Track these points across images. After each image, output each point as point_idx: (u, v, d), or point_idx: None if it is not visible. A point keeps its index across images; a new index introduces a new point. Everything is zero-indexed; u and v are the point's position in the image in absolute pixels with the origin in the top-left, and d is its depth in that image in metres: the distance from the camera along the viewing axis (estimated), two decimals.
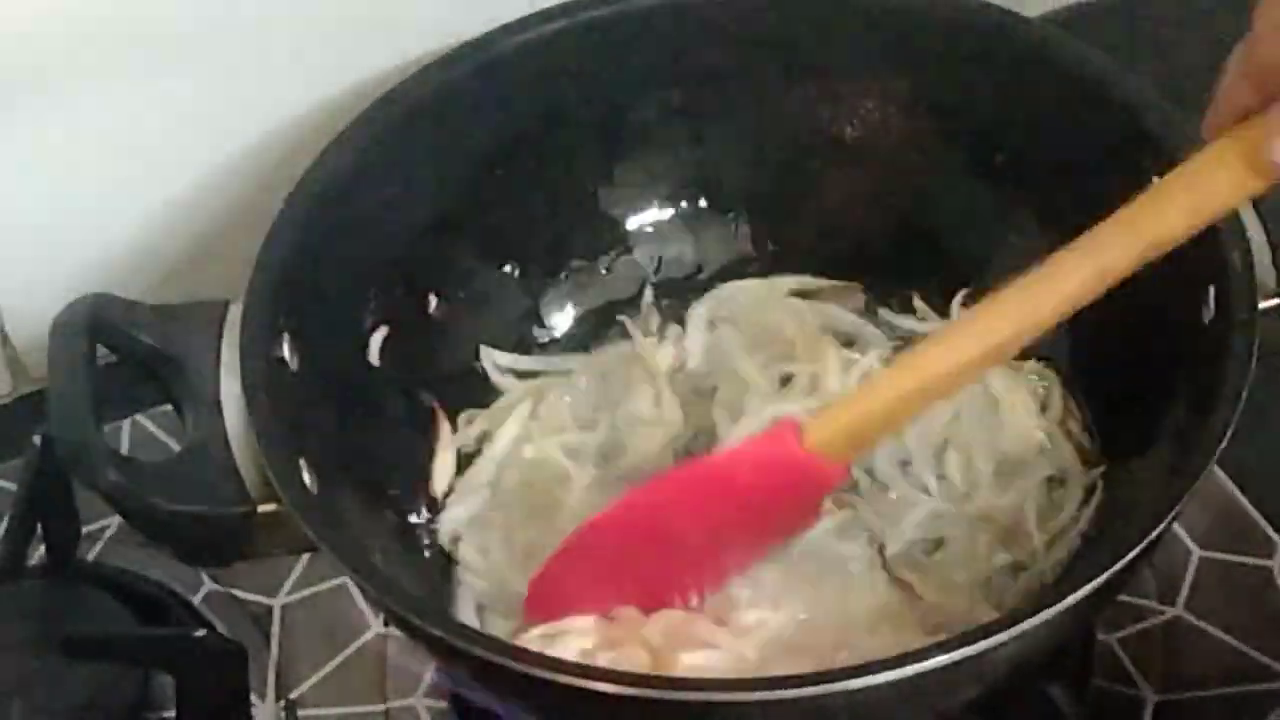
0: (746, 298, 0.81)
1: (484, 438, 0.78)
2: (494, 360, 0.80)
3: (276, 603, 0.79)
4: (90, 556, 0.81)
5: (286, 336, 0.69)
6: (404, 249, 0.78)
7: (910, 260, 0.81)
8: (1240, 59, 0.54)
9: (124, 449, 0.84)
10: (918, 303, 0.81)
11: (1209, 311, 0.66)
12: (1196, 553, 0.77)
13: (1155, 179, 0.60)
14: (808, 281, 0.82)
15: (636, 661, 0.64)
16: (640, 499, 0.68)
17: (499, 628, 0.71)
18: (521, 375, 0.80)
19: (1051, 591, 0.59)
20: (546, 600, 0.68)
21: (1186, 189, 0.57)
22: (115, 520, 0.81)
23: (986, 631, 0.57)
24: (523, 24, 0.78)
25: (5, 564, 0.75)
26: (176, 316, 0.70)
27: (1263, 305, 0.65)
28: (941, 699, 0.62)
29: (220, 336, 0.68)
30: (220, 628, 0.78)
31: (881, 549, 0.71)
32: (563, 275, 0.83)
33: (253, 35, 0.78)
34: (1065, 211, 0.76)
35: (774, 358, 0.78)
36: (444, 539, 0.75)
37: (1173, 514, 0.60)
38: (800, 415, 0.68)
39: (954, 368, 0.61)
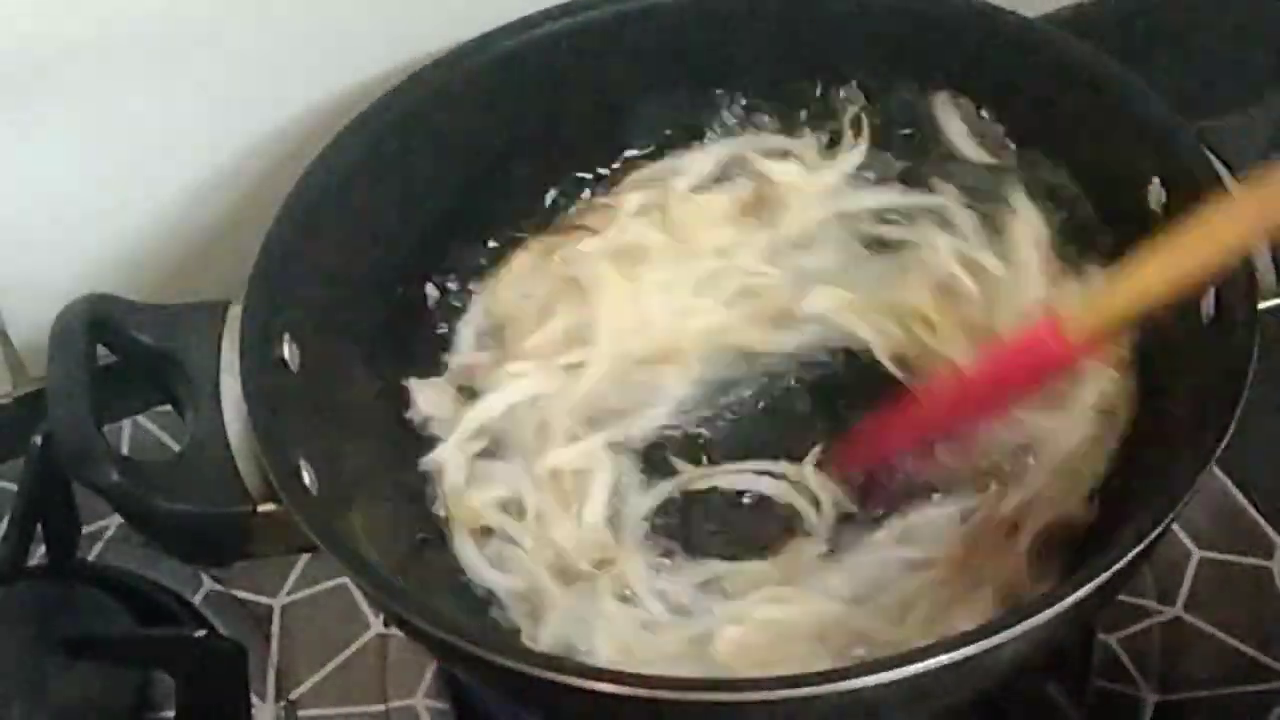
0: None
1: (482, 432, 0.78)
2: None
3: (277, 603, 0.79)
4: (90, 556, 0.81)
5: (286, 336, 0.69)
6: (404, 249, 0.78)
7: None
8: None
9: (124, 449, 0.84)
10: None
11: (1210, 311, 0.66)
12: (1196, 553, 0.77)
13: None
14: None
15: None
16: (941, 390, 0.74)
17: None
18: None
19: (1051, 592, 0.58)
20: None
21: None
22: (115, 520, 0.81)
23: (986, 631, 0.57)
24: (523, 24, 0.78)
25: (5, 564, 0.75)
26: (177, 316, 0.70)
27: (1263, 305, 0.65)
28: (941, 699, 0.62)
29: (220, 336, 0.68)
30: (220, 628, 0.78)
31: None
32: None
33: (252, 35, 0.78)
34: (1065, 211, 0.77)
35: None
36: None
37: (1172, 514, 0.60)
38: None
39: (1196, 264, 0.64)
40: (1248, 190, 0.64)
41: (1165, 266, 0.65)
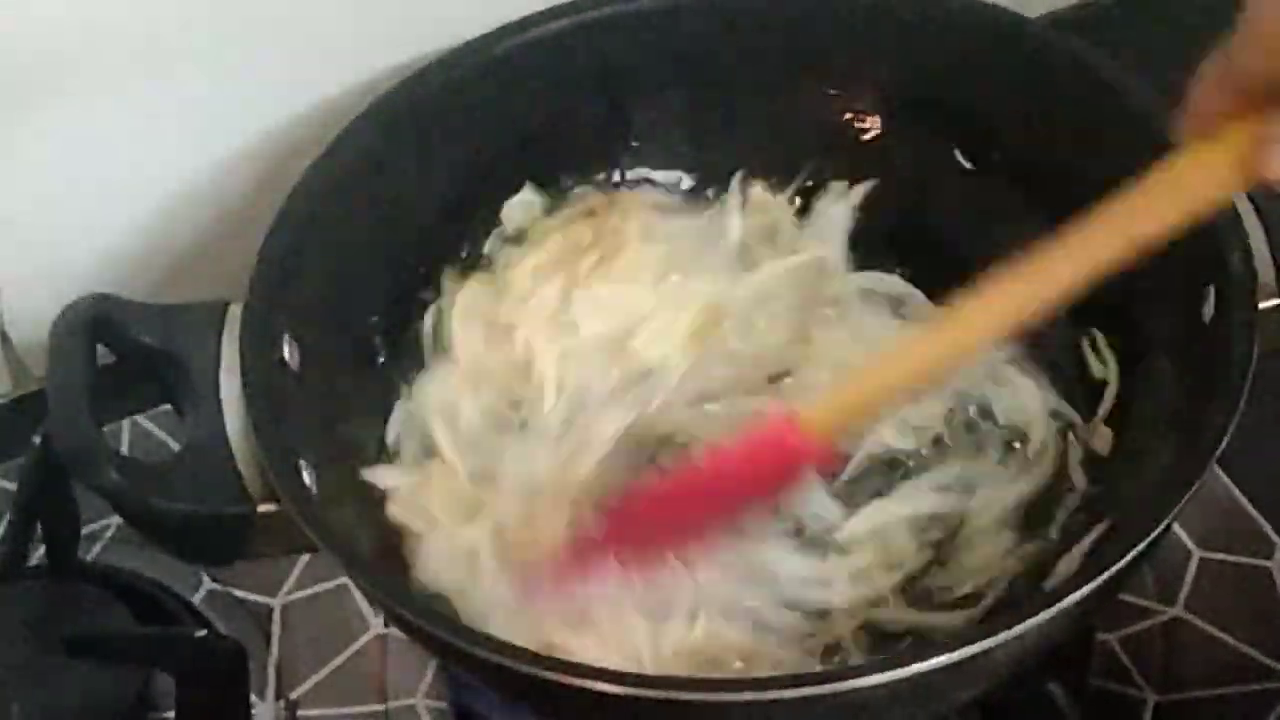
0: None
1: None
2: None
3: (277, 602, 0.79)
4: (90, 556, 0.81)
5: (286, 336, 0.69)
6: (404, 248, 0.78)
7: (910, 259, 0.81)
8: (1220, 65, 0.55)
9: (124, 449, 0.84)
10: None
11: (1209, 311, 0.66)
12: (1196, 553, 0.78)
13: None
14: None
15: None
16: (648, 494, 0.70)
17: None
18: None
19: (1051, 592, 0.58)
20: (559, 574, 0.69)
21: (1171, 189, 0.58)
22: (115, 520, 0.81)
23: (986, 631, 0.57)
24: (524, 24, 0.78)
25: (5, 563, 0.76)
26: (177, 316, 0.70)
27: (1263, 305, 0.65)
28: (941, 699, 0.62)
29: (220, 336, 0.69)
30: (220, 627, 0.78)
31: None
32: None
33: (253, 35, 0.78)
34: (1065, 211, 0.77)
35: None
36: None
37: (1173, 514, 0.60)
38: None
39: (946, 355, 0.63)
40: (976, 295, 0.60)
41: (905, 359, 0.63)
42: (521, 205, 0.80)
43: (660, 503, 0.69)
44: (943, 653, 0.56)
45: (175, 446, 0.79)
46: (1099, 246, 0.59)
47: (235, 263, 0.70)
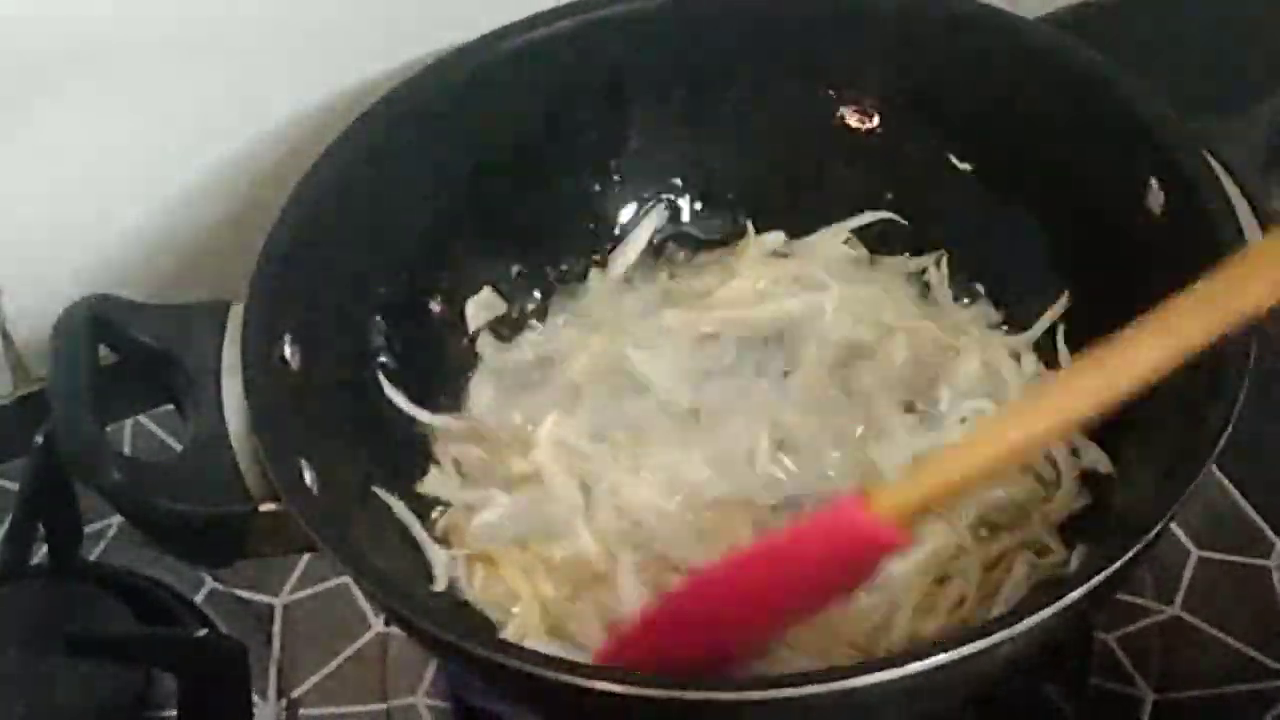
0: None
1: None
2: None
3: (278, 602, 0.80)
4: (92, 556, 0.81)
5: (288, 337, 0.69)
6: (405, 249, 0.78)
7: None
8: None
9: (126, 449, 0.84)
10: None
11: None
12: (1195, 552, 0.78)
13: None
14: None
15: None
16: (711, 575, 0.67)
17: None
18: None
19: (1050, 591, 0.59)
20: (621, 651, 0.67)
21: (1270, 263, 0.58)
22: (117, 520, 0.81)
23: (986, 631, 0.57)
24: (524, 25, 0.78)
25: (7, 563, 0.76)
26: (178, 317, 0.70)
27: None
28: (941, 698, 0.62)
29: (222, 337, 0.68)
30: (222, 627, 0.78)
31: None
32: (564, 275, 0.83)
33: (253, 36, 0.78)
34: (1064, 212, 0.77)
35: None
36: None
37: (1171, 514, 0.60)
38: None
39: (1030, 442, 0.60)
40: (1060, 380, 0.60)
41: (987, 444, 0.60)
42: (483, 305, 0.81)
43: (726, 583, 0.65)
44: (942, 653, 0.56)
45: (177, 446, 0.79)
46: (1191, 327, 0.57)
47: (236, 263, 0.70)
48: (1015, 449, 0.60)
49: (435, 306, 0.79)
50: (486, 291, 0.81)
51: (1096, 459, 0.72)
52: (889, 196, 0.82)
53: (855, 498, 0.61)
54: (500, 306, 0.81)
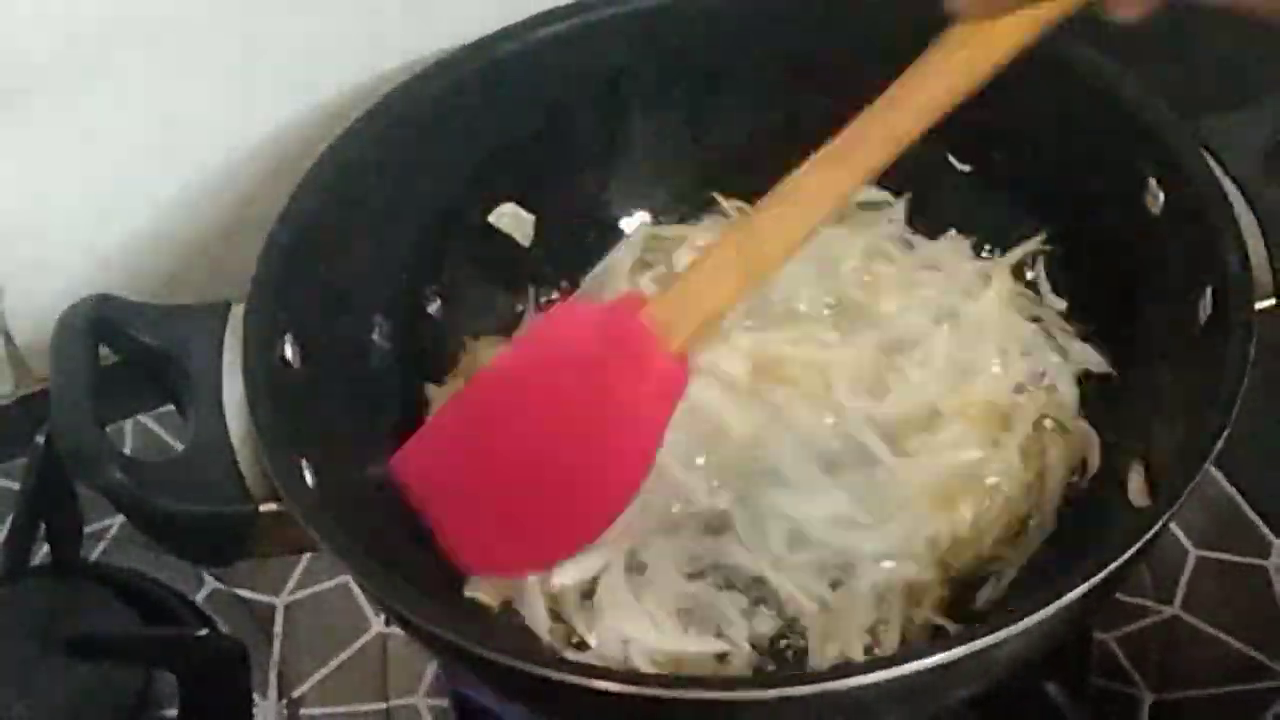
0: None
1: None
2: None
3: (279, 602, 0.80)
4: (93, 556, 0.81)
5: (288, 336, 0.69)
6: (405, 249, 0.78)
7: None
8: None
9: (127, 449, 0.85)
10: None
11: (1206, 312, 0.66)
12: (1193, 552, 0.78)
13: None
14: None
15: None
16: (492, 372, 0.69)
17: None
18: None
19: (1049, 591, 0.59)
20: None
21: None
22: (118, 520, 0.81)
23: (985, 631, 0.57)
24: (523, 26, 0.78)
25: (8, 563, 0.76)
26: (179, 317, 0.70)
27: (1260, 306, 0.65)
28: (940, 697, 0.62)
29: (222, 337, 0.69)
30: (222, 627, 0.78)
31: None
32: (562, 276, 0.83)
33: (253, 36, 0.78)
34: (1064, 212, 0.77)
35: None
36: None
37: (1170, 513, 0.60)
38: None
39: (792, 238, 0.63)
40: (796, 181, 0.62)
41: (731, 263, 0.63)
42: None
43: (505, 376, 0.67)
44: (941, 652, 0.56)
45: (178, 446, 0.79)
46: (902, 121, 0.63)
47: (237, 263, 0.71)
48: (778, 249, 0.63)
49: (434, 305, 0.79)
50: (488, 292, 0.81)
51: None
52: (889, 197, 0.82)
53: (632, 298, 0.64)
54: (502, 306, 0.81)
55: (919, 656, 0.56)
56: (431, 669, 0.76)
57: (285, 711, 0.76)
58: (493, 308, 0.82)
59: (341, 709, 0.76)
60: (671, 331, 0.63)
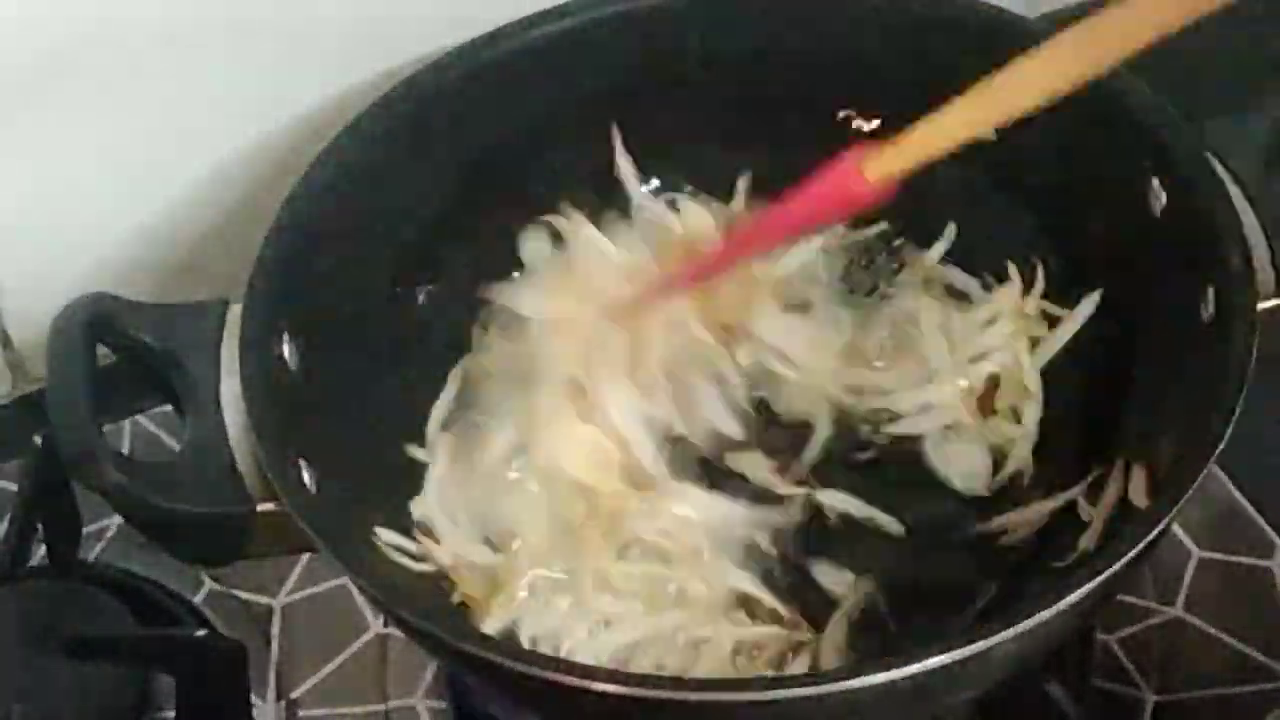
0: None
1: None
2: None
3: (277, 602, 0.80)
4: (91, 556, 0.81)
5: (286, 336, 0.69)
6: (403, 249, 0.78)
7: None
8: None
9: (124, 449, 0.84)
10: None
11: (1208, 311, 0.66)
12: (1196, 553, 0.78)
13: None
14: None
15: None
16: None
17: None
18: None
19: (1050, 591, 0.59)
20: None
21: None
22: (116, 520, 0.81)
23: (986, 631, 0.57)
24: (522, 26, 0.78)
25: (6, 564, 0.76)
26: (177, 316, 0.70)
27: (1262, 306, 0.65)
28: (941, 698, 0.62)
29: (220, 336, 0.69)
30: (221, 628, 0.78)
31: None
32: None
33: (252, 36, 0.78)
34: (1065, 213, 0.77)
35: None
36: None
37: (1171, 514, 0.60)
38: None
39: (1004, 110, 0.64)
40: (1057, 37, 0.63)
41: (970, 109, 0.65)
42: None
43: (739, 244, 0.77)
44: (941, 653, 0.56)
45: (176, 446, 0.79)
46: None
47: (235, 263, 0.70)
48: (987, 115, 0.65)
49: (430, 307, 0.79)
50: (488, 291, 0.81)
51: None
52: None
53: (850, 164, 0.67)
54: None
55: (919, 658, 0.56)
56: (430, 670, 0.76)
57: (284, 713, 0.76)
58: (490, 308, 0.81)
59: (340, 710, 0.76)
60: (879, 172, 0.67)
